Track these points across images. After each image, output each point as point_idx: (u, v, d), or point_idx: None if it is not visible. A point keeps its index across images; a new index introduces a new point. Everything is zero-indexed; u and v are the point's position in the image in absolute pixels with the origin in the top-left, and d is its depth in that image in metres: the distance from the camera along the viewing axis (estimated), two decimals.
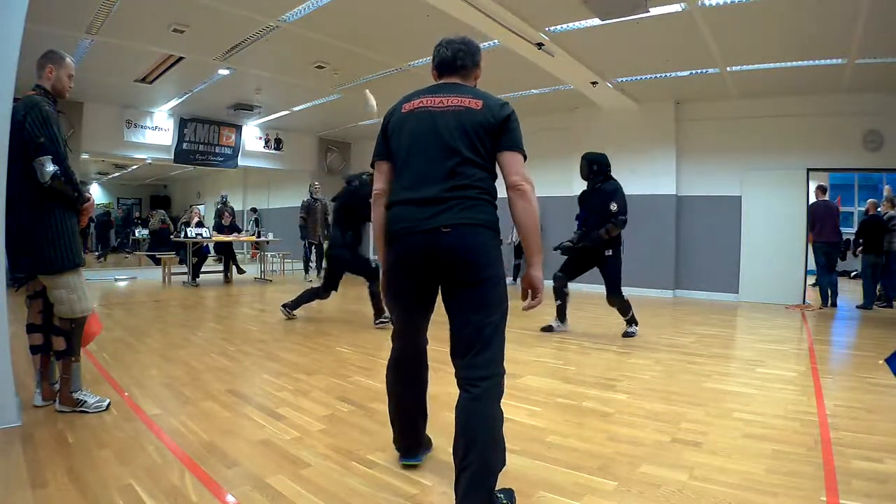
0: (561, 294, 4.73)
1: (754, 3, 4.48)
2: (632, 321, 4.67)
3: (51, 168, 2.33)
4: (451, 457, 2.10)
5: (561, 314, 4.79)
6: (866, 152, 6.67)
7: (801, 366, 3.71)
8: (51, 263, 2.41)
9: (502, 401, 1.67)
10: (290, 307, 5.26)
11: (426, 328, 1.92)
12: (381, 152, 1.85)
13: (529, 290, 1.73)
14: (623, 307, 4.60)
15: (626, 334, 4.61)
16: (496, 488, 1.60)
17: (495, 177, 1.75)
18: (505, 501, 1.68)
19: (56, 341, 2.52)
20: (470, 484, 1.52)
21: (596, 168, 4.50)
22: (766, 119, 7.21)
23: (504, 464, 1.65)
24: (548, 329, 4.75)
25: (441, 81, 1.86)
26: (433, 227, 1.63)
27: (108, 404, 2.58)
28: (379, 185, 1.85)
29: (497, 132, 1.69)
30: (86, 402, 2.53)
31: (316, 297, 5.16)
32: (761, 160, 7.00)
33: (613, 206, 4.31)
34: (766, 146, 7.14)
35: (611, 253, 4.42)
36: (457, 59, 1.84)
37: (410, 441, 2.01)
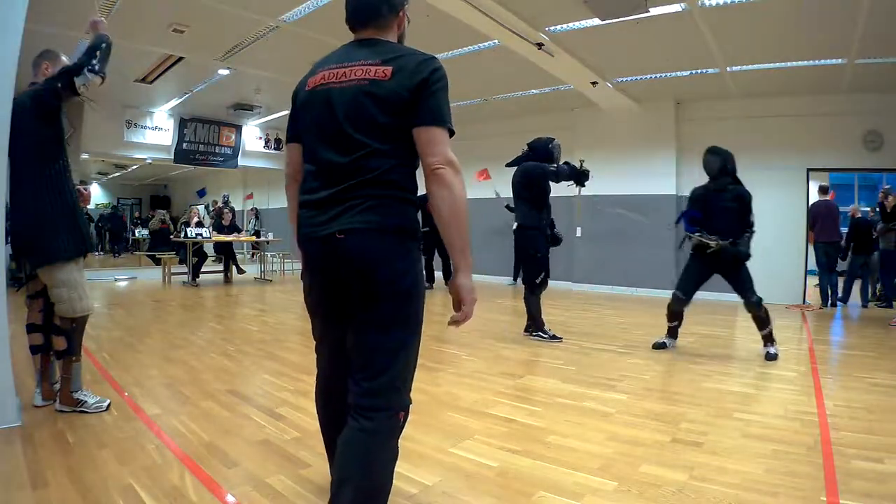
0: (679, 316, 4.23)
1: (754, 3, 4.48)
2: (770, 338, 3.94)
3: (85, 75, 2.40)
4: (451, 457, 2.11)
5: (674, 333, 4.29)
6: (866, 152, 6.66)
7: (801, 366, 3.71)
8: (50, 253, 2.41)
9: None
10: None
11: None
12: (291, 133, 1.57)
13: (457, 302, 1.38)
14: (759, 318, 3.94)
15: (769, 356, 3.85)
16: None
17: (415, 165, 1.41)
18: None
19: (56, 341, 2.52)
20: None
21: (729, 167, 4.08)
22: (766, 119, 7.20)
23: None
24: (662, 346, 4.20)
25: (354, 38, 1.50)
26: (329, 232, 1.33)
27: (109, 405, 2.58)
28: (287, 169, 1.60)
29: (410, 103, 1.33)
30: (86, 402, 2.53)
31: None
32: (761, 160, 6.98)
33: (751, 217, 3.94)
34: (766, 146, 7.13)
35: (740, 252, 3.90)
36: (368, 7, 1.46)
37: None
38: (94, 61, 2.43)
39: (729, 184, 4.08)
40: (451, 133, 1.36)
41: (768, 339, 3.96)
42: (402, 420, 1.40)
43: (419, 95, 1.33)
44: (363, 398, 1.33)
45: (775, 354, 3.89)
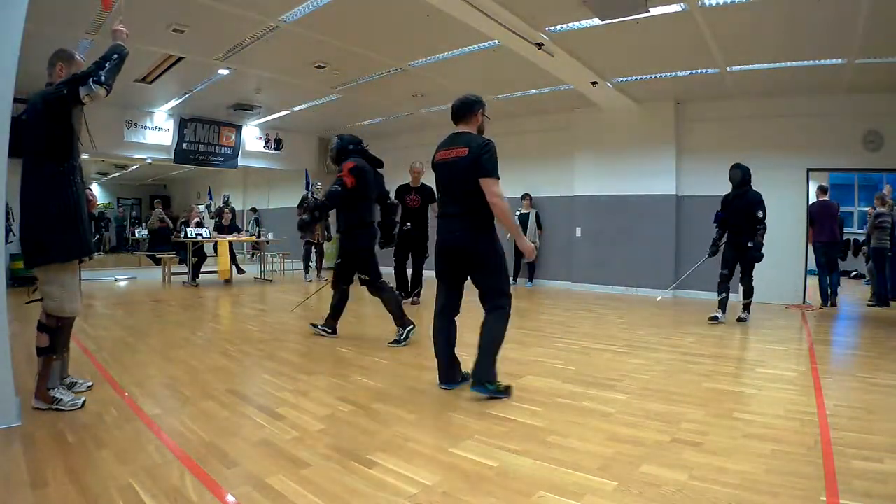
0: (726, 288, 5.51)
1: (754, 3, 4.48)
2: (747, 308, 5.50)
3: (91, 87, 2.40)
4: (451, 457, 2.12)
5: (723, 305, 5.52)
6: (866, 152, 6.66)
7: (801, 366, 3.71)
8: (49, 253, 2.43)
9: None
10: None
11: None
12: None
13: (521, 250, 3.05)
14: (748, 290, 5.50)
15: (739, 319, 5.43)
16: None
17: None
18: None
19: (39, 337, 2.53)
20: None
21: (748, 178, 5.38)
22: (766, 119, 7.20)
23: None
24: (714, 320, 5.43)
25: (455, 130, 2.94)
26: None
27: (84, 402, 2.60)
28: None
29: (477, 166, 2.75)
30: (61, 399, 2.55)
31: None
32: (761, 160, 6.97)
33: (760, 214, 5.21)
34: (766, 146, 7.13)
35: (751, 245, 5.28)
36: (459, 111, 2.94)
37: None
38: (102, 72, 2.43)
39: (747, 192, 5.35)
40: (498, 179, 2.79)
41: (746, 308, 5.52)
42: (510, 302, 2.92)
43: (479, 163, 2.76)
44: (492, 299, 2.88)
45: (744, 319, 5.44)
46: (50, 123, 2.43)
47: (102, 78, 2.43)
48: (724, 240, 5.55)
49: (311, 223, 4.70)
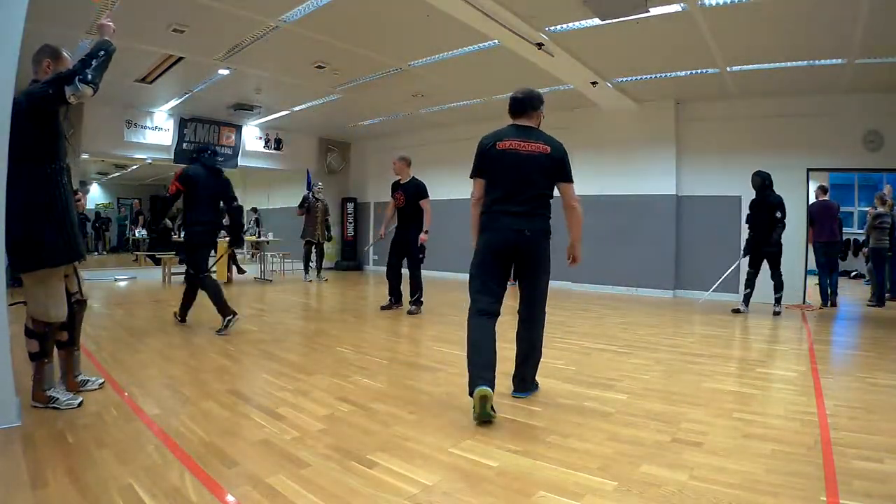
0: (752, 284, 6.12)
1: (754, 3, 4.48)
2: (779, 301, 6.00)
3: (77, 86, 2.33)
4: (451, 457, 2.12)
5: (747, 300, 6.13)
6: (866, 152, 6.66)
7: (801, 366, 3.71)
8: (37, 258, 2.40)
9: None
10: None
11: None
12: (481, 173, 2.76)
13: (573, 257, 2.94)
14: (778, 285, 5.98)
15: (775, 313, 5.94)
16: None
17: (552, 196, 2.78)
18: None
19: (29, 343, 2.52)
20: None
21: (768, 183, 5.94)
22: (766, 119, 7.20)
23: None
24: (737, 311, 6.06)
25: (517, 122, 2.75)
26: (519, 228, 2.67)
27: (81, 402, 2.60)
28: (478, 194, 2.77)
29: (559, 169, 2.72)
30: (58, 399, 2.55)
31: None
32: (761, 160, 6.97)
33: (779, 214, 5.80)
34: (766, 146, 7.13)
35: (771, 242, 5.88)
36: (525, 105, 2.75)
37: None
38: (88, 70, 2.34)
39: (768, 195, 5.91)
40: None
41: (778, 302, 6.02)
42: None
43: (561, 167, 2.74)
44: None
45: (778, 312, 5.95)
46: (35, 123, 2.36)
47: (89, 76, 2.34)
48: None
49: (153, 218, 5.21)
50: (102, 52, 2.43)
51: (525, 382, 2.85)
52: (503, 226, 2.63)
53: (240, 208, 5.15)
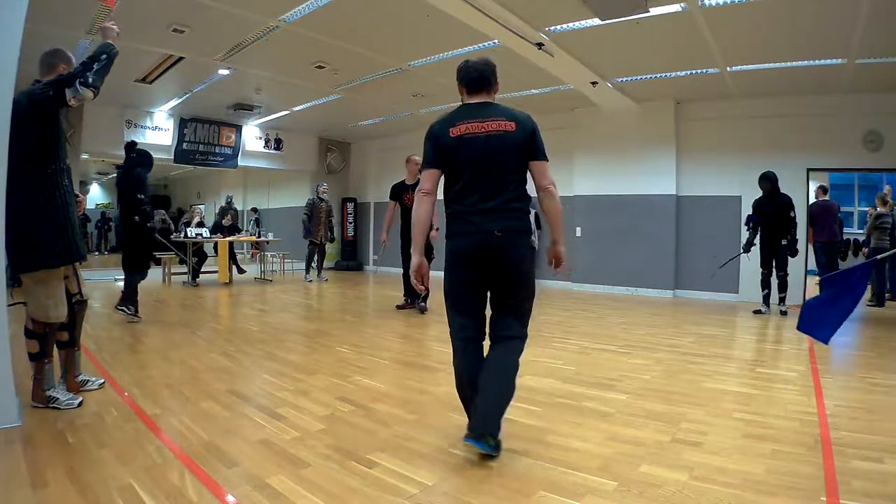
0: (767, 284, 6.11)
1: (754, 3, 4.47)
2: (783, 301, 6.04)
3: (77, 88, 2.33)
4: (451, 457, 2.11)
5: (767, 300, 6.13)
6: (866, 152, 6.66)
7: (801, 366, 3.71)
8: (38, 260, 2.41)
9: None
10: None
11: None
12: (434, 162, 2.18)
13: (555, 260, 2.32)
14: (783, 284, 6.00)
15: (782, 312, 5.95)
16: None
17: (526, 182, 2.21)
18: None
19: (29, 344, 2.52)
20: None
21: (776, 184, 5.96)
22: (766, 119, 7.20)
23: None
24: (758, 312, 6.10)
25: (473, 101, 2.22)
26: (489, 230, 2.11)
27: (80, 402, 2.60)
28: (428, 186, 2.18)
29: (528, 146, 2.15)
30: (58, 398, 2.56)
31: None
32: (761, 160, 6.97)
33: (791, 214, 5.83)
34: (766, 146, 7.13)
35: (785, 242, 5.92)
36: (483, 80, 2.21)
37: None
38: (89, 73, 2.34)
39: (778, 196, 5.93)
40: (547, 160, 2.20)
41: (783, 301, 6.02)
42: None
43: (532, 142, 2.15)
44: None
45: (785, 312, 5.95)
46: (36, 124, 2.36)
47: (90, 80, 2.33)
48: (756, 239, 6.11)
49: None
50: (105, 56, 2.42)
51: (487, 422, 2.04)
52: (468, 229, 2.13)
53: (140, 201, 5.55)
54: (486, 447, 2.01)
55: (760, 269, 6.15)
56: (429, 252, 6.21)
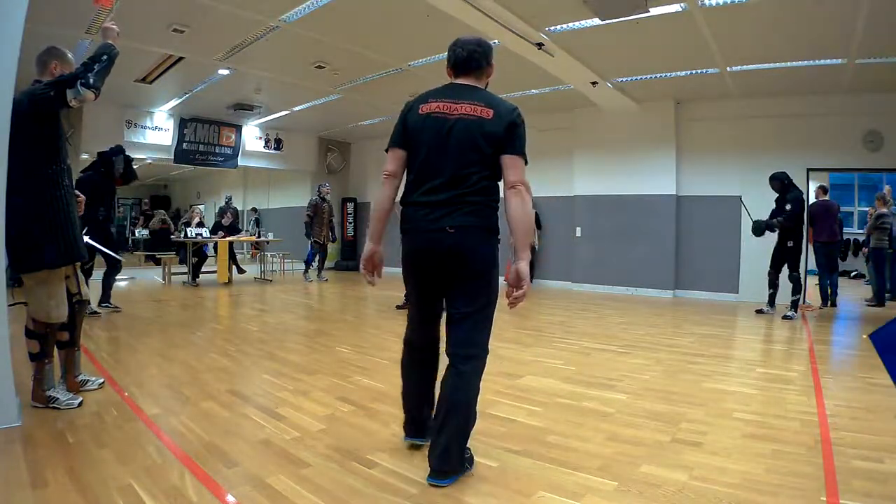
0: (774, 284, 6.03)
1: (754, 3, 4.47)
2: (794, 305, 5.84)
3: (78, 90, 2.33)
4: None
5: (772, 300, 6.05)
6: (866, 152, 6.66)
7: (801, 366, 3.71)
8: (38, 260, 2.41)
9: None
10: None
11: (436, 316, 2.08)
12: (398, 141, 1.99)
13: (514, 279, 1.89)
14: (795, 287, 5.82)
15: (785, 317, 5.74)
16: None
17: (499, 178, 1.92)
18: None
19: (29, 344, 2.53)
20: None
21: (786, 182, 5.88)
22: (766, 119, 7.20)
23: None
24: (760, 311, 6.03)
25: (456, 81, 2.00)
26: (440, 227, 1.85)
27: (80, 402, 2.60)
28: (390, 167, 1.99)
29: (504, 139, 1.86)
30: (58, 398, 2.56)
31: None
32: (761, 160, 6.98)
33: (788, 206, 5.71)
34: (766, 146, 7.13)
35: (791, 244, 5.80)
36: (471, 60, 1.98)
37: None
38: (90, 74, 2.34)
39: (787, 193, 5.81)
40: (526, 162, 1.90)
41: (794, 306, 5.84)
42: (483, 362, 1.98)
43: (509, 135, 1.86)
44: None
45: (790, 317, 5.72)
46: (36, 125, 2.36)
47: (91, 80, 2.33)
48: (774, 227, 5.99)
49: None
50: (105, 57, 2.42)
51: (448, 457, 1.86)
52: (418, 225, 1.91)
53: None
54: (447, 481, 1.86)
55: (768, 269, 6.09)
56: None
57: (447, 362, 1.94)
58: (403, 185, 2.03)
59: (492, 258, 1.92)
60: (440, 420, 1.86)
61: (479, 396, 1.94)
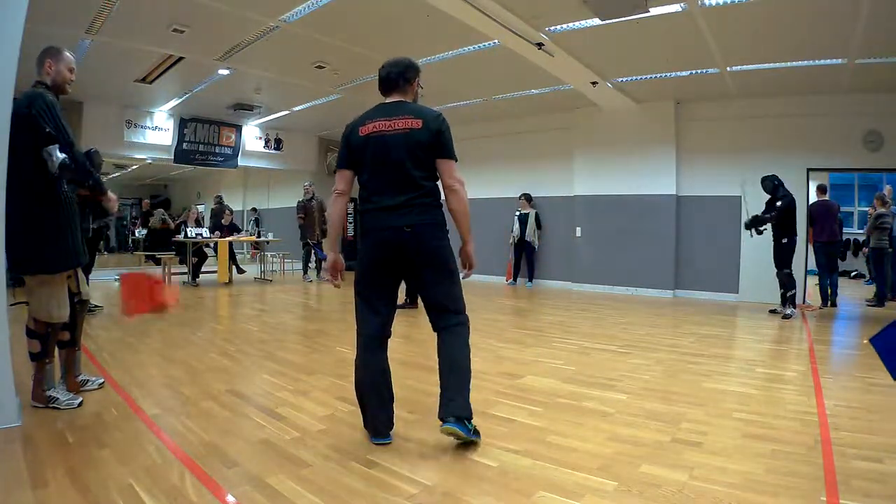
0: (790, 286, 6.00)
1: (754, 3, 4.47)
2: (789, 302, 5.86)
3: (59, 156, 2.35)
4: (452, 457, 2.11)
5: (792, 301, 5.96)
6: (866, 152, 6.65)
7: (801, 366, 3.71)
8: (39, 264, 2.41)
9: None
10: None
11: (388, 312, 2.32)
12: (344, 163, 2.29)
13: (465, 261, 2.34)
14: (785, 283, 5.89)
15: (785, 316, 5.78)
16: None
17: (437, 179, 2.25)
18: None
19: (30, 343, 2.53)
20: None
21: (777, 183, 5.97)
22: (766, 119, 7.20)
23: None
24: (787, 317, 5.86)
25: (388, 100, 2.33)
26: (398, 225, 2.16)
27: (80, 402, 2.60)
28: (340, 186, 2.28)
29: (434, 145, 2.18)
30: (58, 398, 2.57)
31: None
32: (761, 160, 6.98)
33: (778, 203, 5.82)
34: (766, 146, 7.13)
35: (786, 241, 5.88)
36: (390, 80, 2.34)
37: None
38: (78, 163, 2.43)
39: (780, 194, 5.90)
40: (456, 161, 2.23)
41: (785, 302, 5.88)
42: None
43: (438, 141, 2.19)
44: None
45: (789, 315, 5.76)
46: (32, 133, 2.34)
47: (67, 161, 2.38)
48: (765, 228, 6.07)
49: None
50: (91, 181, 2.66)
51: (455, 405, 2.12)
52: (379, 226, 2.19)
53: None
54: (465, 430, 2.11)
55: (775, 272, 6.08)
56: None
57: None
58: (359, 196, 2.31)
59: (446, 246, 2.25)
60: (445, 378, 2.18)
61: (470, 354, 2.24)
